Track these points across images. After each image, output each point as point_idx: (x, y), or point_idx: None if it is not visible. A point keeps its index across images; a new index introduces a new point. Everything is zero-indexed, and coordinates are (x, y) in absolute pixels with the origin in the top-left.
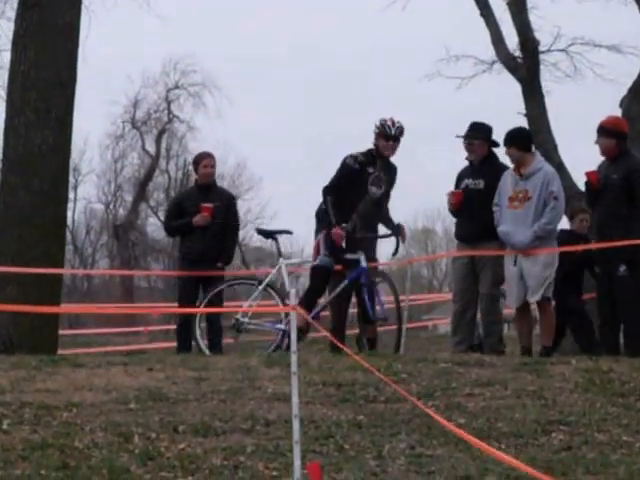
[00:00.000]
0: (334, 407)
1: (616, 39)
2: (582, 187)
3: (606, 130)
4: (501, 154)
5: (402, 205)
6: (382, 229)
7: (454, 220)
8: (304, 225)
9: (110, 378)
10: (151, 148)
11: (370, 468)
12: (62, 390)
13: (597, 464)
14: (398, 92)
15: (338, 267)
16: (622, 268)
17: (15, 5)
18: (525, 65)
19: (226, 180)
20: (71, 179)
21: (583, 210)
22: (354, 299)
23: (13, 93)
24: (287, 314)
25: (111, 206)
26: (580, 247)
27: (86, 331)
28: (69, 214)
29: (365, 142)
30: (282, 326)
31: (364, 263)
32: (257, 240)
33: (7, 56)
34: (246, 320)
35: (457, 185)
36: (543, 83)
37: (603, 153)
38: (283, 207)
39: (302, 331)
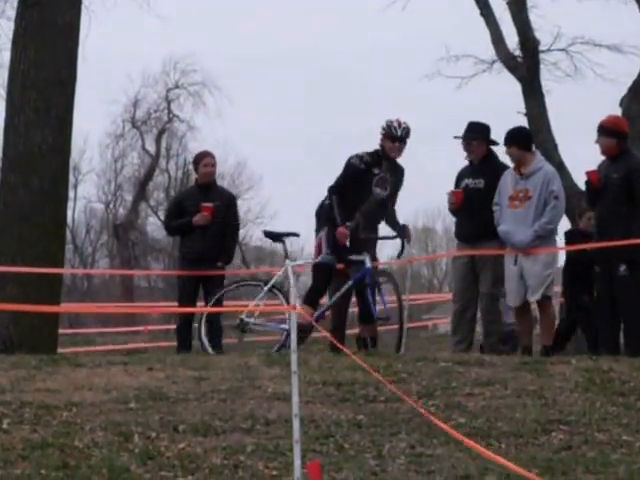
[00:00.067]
0: (334, 406)
1: (616, 39)
2: (582, 186)
3: (606, 129)
4: (501, 153)
5: (402, 205)
6: (386, 230)
7: (454, 219)
8: (304, 225)
9: (110, 378)
10: (151, 147)
11: (370, 467)
12: (62, 389)
13: (597, 463)
14: (398, 92)
15: (340, 266)
16: (622, 267)
17: (15, 4)
18: (525, 64)
19: (226, 179)
20: (71, 178)
21: (591, 209)
22: (354, 299)
23: (13, 92)
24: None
25: (111, 205)
26: (581, 246)
27: (86, 330)
28: (69, 213)
29: (365, 142)
30: (286, 326)
31: (369, 264)
32: (257, 239)
33: (7, 55)
34: (251, 320)
35: (457, 185)
36: (543, 82)
37: (603, 152)
38: (283, 207)
39: (306, 330)
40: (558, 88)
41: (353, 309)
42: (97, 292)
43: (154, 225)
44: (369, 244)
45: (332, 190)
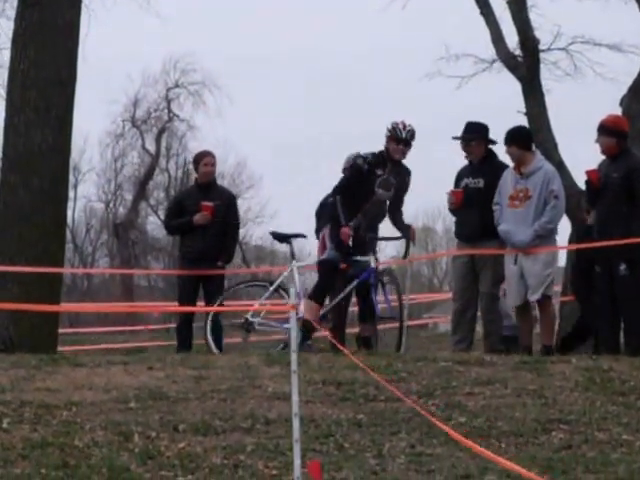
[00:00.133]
0: (334, 406)
1: (616, 38)
2: (582, 186)
3: (607, 129)
4: (500, 152)
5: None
6: (389, 231)
7: (454, 219)
8: (304, 224)
9: (110, 377)
10: (151, 147)
11: (370, 467)
12: (62, 389)
13: (597, 463)
14: (398, 92)
15: (343, 266)
16: (622, 267)
17: (15, 4)
18: (525, 64)
19: (226, 179)
20: (71, 178)
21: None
22: (354, 298)
23: (13, 92)
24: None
25: (111, 205)
26: (581, 246)
27: (86, 329)
28: (69, 213)
29: (365, 142)
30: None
31: (374, 264)
32: (257, 239)
33: (7, 55)
34: (256, 320)
35: (457, 184)
36: (543, 82)
37: (603, 152)
38: (283, 206)
39: (311, 329)
40: (558, 87)
41: (353, 308)
42: (97, 291)
43: (154, 224)
44: (371, 244)
45: (336, 190)
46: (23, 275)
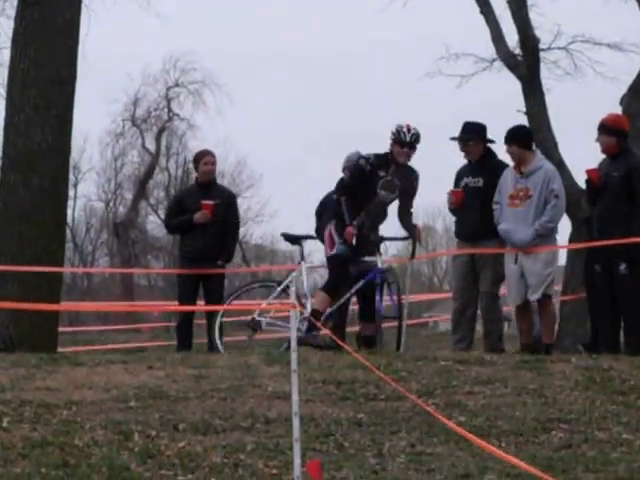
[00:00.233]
0: (334, 405)
1: (616, 37)
2: (583, 185)
3: (607, 128)
4: (500, 151)
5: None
6: (394, 231)
7: (454, 218)
8: (304, 224)
9: (110, 376)
10: (151, 146)
11: (370, 466)
12: (62, 388)
13: (597, 462)
14: (398, 92)
15: None
16: (622, 266)
17: (15, 3)
18: (525, 63)
19: (226, 178)
20: (71, 177)
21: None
22: (354, 297)
23: (13, 91)
24: (302, 313)
25: (111, 204)
26: (580, 245)
27: (86, 329)
28: (69, 212)
29: (364, 142)
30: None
31: (381, 264)
32: (257, 238)
33: (7, 54)
34: (263, 319)
35: (456, 183)
36: (543, 81)
37: (604, 151)
38: (283, 206)
39: (315, 328)
40: (558, 86)
41: (353, 307)
42: (97, 291)
43: (154, 223)
44: (376, 244)
45: (340, 191)
46: (23, 274)
